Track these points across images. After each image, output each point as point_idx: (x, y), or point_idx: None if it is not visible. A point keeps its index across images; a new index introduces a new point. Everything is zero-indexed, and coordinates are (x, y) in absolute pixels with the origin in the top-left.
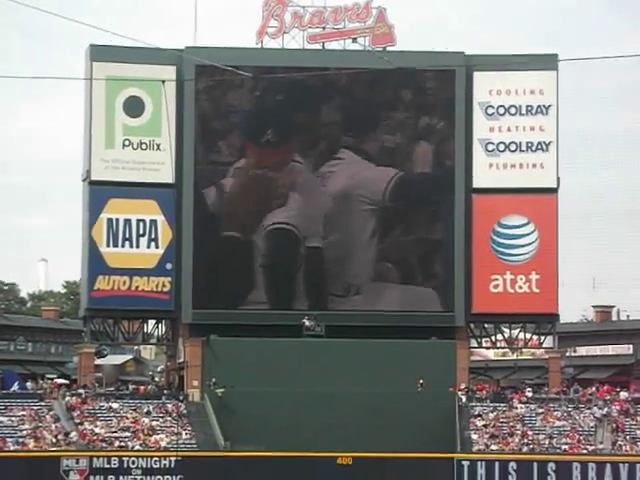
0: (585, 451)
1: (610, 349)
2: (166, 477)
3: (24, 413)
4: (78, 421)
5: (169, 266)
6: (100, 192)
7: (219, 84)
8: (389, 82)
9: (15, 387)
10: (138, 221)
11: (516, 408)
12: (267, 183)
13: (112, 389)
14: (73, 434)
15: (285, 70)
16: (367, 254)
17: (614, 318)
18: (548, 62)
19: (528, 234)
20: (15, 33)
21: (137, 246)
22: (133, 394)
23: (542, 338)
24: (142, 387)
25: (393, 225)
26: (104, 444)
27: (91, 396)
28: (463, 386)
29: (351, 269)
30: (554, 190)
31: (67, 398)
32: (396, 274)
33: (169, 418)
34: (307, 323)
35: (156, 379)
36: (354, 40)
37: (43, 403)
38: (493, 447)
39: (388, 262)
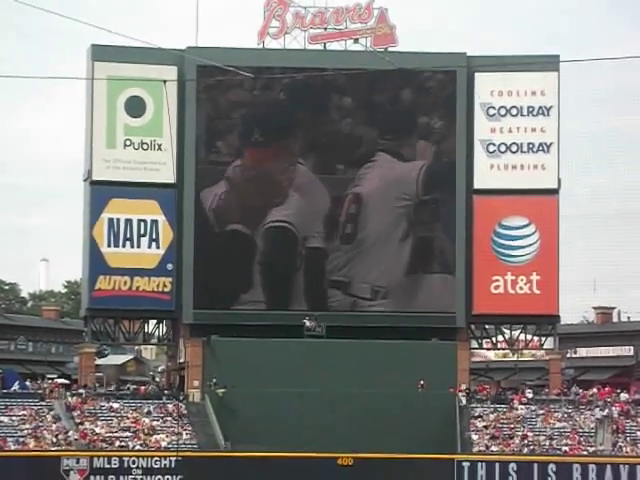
0: (585, 452)
1: (611, 350)
2: (166, 477)
3: (24, 413)
4: (78, 421)
5: (170, 266)
6: (101, 192)
7: (220, 84)
8: (389, 83)
9: (16, 387)
10: (139, 221)
11: (517, 409)
12: (268, 183)
13: (113, 389)
14: (73, 434)
15: (286, 70)
16: (397, 255)
17: (615, 319)
18: (549, 63)
19: (529, 235)
20: (12, 34)
21: (138, 246)
22: (134, 394)
23: (543, 339)
24: (143, 387)
25: (422, 223)
26: (104, 444)
27: (92, 396)
28: (464, 387)
29: (380, 270)
30: (555, 191)
31: (68, 398)
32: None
33: (169, 418)
34: (308, 324)
35: (157, 379)
36: (356, 41)
37: (44, 403)
38: (493, 448)
39: (415, 261)
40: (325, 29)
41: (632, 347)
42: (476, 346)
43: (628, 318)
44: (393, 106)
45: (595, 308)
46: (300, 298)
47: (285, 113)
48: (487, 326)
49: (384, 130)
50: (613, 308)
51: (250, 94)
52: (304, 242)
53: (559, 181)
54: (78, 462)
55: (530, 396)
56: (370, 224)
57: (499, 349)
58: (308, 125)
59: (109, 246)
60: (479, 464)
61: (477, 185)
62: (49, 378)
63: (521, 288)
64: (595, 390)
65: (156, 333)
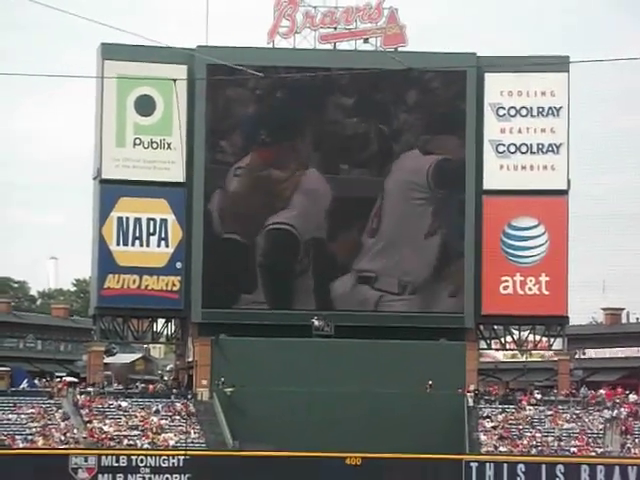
0: (594, 453)
1: (619, 352)
2: (174, 476)
3: (33, 411)
4: (87, 419)
5: (179, 265)
6: (111, 191)
7: (230, 84)
8: (397, 82)
9: (24, 385)
10: (148, 220)
11: (525, 410)
12: (276, 183)
13: (121, 388)
14: (81, 432)
15: (295, 70)
16: (422, 251)
17: (624, 321)
18: (560, 64)
19: (538, 236)
20: (14, 32)
21: (147, 245)
22: (142, 393)
23: (551, 340)
24: (151, 386)
25: (444, 222)
26: (113, 442)
27: (100, 394)
28: (472, 387)
29: (406, 266)
30: (565, 192)
31: (76, 396)
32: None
33: (178, 417)
34: (316, 323)
35: (165, 378)
36: (366, 40)
37: (52, 401)
38: (502, 449)
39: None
40: (335, 29)
41: None
42: (485, 347)
43: (637, 319)
44: (401, 106)
45: (604, 309)
46: (309, 298)
47: (293, 113)
48: (496, 327)
49: (392, 128)
50: (622, 309)
51: (259, 94)
52: (310, 242)
53: (569, 182)
54: (86, 460)
55: (539, 397)
56: (390, 217)
57: (508, 350)
58: (316, 125)
59: (118, 245)
60: (487, 465)
61: (486, 185)
62: (58, 376)
63: (530, 289)
64: (602, 391)
65: (165, 332)
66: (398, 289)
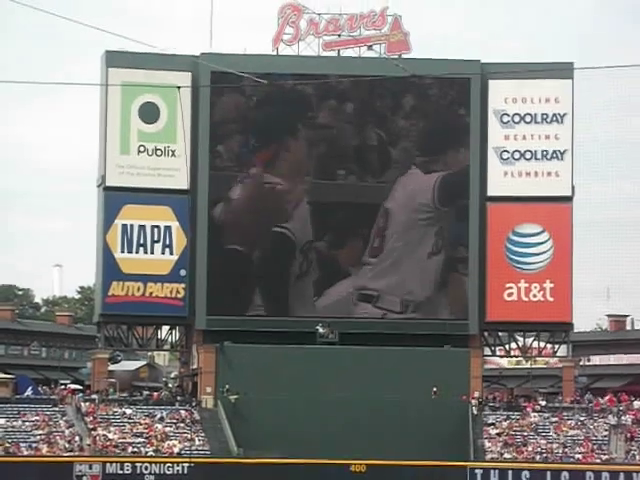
0: (599, 460)
1: (624, 358)
2: None
3: (37, 418)
4: (91, 426)
5: (183, 272)
6: (115, 198)
7: (234, 91)
8: (400, 89)
9: (29, 392)
10: (153, 227)
11: (529, 417)
12: (279, 190)
13: (125, 395)
14: (86, 439)
15: (300, 77)
16: (426, 269)
17: (628, 327)
18: (564, 70)
19: (543, 242)
20: (19, 39)
21: (151, 252)
22: (146, 400)
23: (556, 347)
24: (155, 393)
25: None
26: (117, 450)
27: (104, 402)
28: (477, 394)
29: (409, 285)
30: (569, 198)
31: (81, 403)
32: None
33: (182, 424)
34: (321, 330)
35: (169, 385)
36: (369, 47)
37: (57, 408)
38: (506, 455)
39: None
40: (339, 36)
41: None
42: (489, 353)
43: None
44: (403, 113)
45: (609, 316)
46: (313, 305)
47: (297, 121)
48: (500, 333)
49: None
50: (627, 316)
51: (263, 101)
52: (312, 249)
53: (573, 188)
54: (91, 468)
55: (543, 404)
56: (394, 238)
57: (512, 356)
58: (319, 132)
59: (122, 252)
60: (492, 471)
61: (491, 192)
62: (62, 384)
63: (534, 295)
64: (607, 398)
65: (169, 339)
66: (400, 308)
